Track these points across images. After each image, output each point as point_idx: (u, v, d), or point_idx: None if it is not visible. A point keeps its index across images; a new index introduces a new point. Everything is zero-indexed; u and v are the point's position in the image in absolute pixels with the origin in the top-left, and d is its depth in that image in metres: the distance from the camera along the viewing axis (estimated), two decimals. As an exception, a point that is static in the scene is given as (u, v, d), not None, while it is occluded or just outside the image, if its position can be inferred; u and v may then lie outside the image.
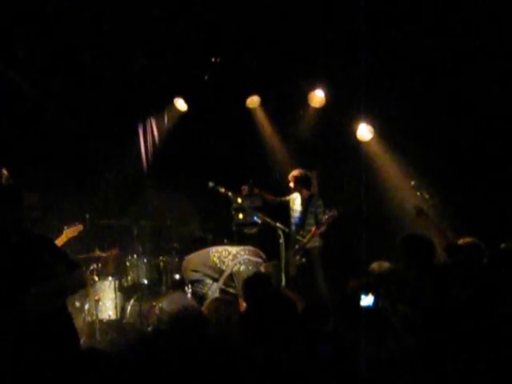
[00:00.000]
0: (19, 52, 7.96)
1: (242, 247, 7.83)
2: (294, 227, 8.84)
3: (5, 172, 6.76)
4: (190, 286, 7.77)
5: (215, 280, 7.63)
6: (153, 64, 9.17)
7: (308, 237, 8.48)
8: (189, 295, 7.71)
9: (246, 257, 7.58)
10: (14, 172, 7.04)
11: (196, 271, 7.77)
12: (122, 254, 8.45)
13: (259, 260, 7.63)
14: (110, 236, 8.95)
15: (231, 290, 7.50)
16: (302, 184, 8.86)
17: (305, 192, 8.88)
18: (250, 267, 7.42)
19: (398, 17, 8.05)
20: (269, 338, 3.87)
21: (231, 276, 7.47)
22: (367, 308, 4.34)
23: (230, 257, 7.61)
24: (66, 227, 7.19)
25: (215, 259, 7.69)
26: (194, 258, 7.97)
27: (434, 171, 8.51)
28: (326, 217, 8.43)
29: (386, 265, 5.52)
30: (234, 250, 7.75)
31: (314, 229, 8.52)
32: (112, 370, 3.90)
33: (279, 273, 7.44)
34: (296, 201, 8.98)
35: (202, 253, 7.95)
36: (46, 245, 4.56)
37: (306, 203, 8.83)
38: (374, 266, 5.54)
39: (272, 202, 9.13)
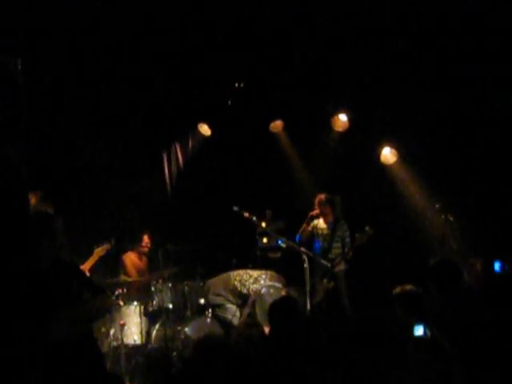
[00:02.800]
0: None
1: (263, 271, 7.89)
2: (319, 251, 8.81)
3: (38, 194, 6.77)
4: (210, 310, 7.82)
5: (237, 305, 7.67)
6: (177, 90, 9.25)
7: (337, 260, 8.47)
8: (208, 320, 7.74)
9: (268, 282, 7.63)
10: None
11: (218, 295, 7.83)
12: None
13: (279, 285, 7.66)
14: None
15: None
16: (328, 207, 8.85)
17: (330, 215, 8.87)
18: (272, 290, 7.47)
19: (421, 39, 8.06)
20: (293, 363, 3.86)
21: (253, 302, 7.50)
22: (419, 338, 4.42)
23: (251, 280, 7.70)
24: (95, 246, 7.51)
25: (236, 282, 7.78)
26: (216, 282, 8.05)
27: (458, 194, 8.46)
28: (358, 236, 8.37)
29: (409, 288, 5.49)
30: (255, 273, 7.83)
31: (346, 250, 8.52)
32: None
33: (304, 297, 7.41)
34: (319, 226, 8.97)
35: (223, 276, 8.02)
36: (72, 270, 4.60)
37: (332, 227, 8.82)
38: (397, 290, 5.51)
39: (309, 234, 9.07)
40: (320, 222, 8.97)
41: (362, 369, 3.81)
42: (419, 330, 4.49)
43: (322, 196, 8.90)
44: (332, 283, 8.41)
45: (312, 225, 9.02)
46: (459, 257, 6.89)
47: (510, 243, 7.77)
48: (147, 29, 8.00)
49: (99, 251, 7.56)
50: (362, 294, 8.74)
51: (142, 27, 7.96)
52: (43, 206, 6.52)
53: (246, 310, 7.58)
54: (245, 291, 7.64)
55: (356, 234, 8.43)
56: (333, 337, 4.55)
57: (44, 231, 4.49)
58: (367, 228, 8.34)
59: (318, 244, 8.91)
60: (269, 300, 7.43)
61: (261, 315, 7.31)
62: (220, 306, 7.78)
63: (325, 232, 8.89)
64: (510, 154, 8.34)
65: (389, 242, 9.13)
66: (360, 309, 8.40)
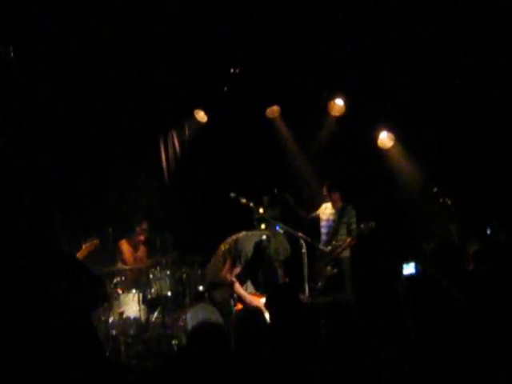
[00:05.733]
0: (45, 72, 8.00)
1: None
2: (324, 237, 8.81)
3: None
4: (207, 292, 7.80)
5: None
6: (173, 77, 9.20)
7: (342, 246, 8.46)
8: (208, 306, 7.71)
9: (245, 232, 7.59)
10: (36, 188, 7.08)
11: (212, 278, 7.77)
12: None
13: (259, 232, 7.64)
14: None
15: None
16: (336, 194, 8.81)
17: (339, 201, 8.83)
18: (250, 234, 7.42)
19: (417, 25, 8.01)
20: (292, 352, 3.85)
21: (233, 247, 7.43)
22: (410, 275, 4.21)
23: (227, 239, 7.55)
24: (83, 242, 7.31)
25: (221, 246, 7.58)
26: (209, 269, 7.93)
27: (456, 178, 8.44)
28: (362, 226, 8.35)
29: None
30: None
31: (349, 239, 8.50)
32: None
33: (302, 282, 7.39)
34: (326, 211, 8.94)
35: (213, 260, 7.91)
36: (69, 260, 4.59)
37: (339, 213, 8.79)
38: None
39: (304, 218, 9.09)
40: (328, 207, 8.94)
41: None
42: (409, 268, 4.25)
43: (331, 182, 8.88)
44: (335, 270, 8.39)
45: (320, 209, 9.02)
46: (457, 241, 6.89)
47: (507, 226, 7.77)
48: (144, 15, 7.94)
49: (87, 247, 7.32)
50: (365, 279, 8.73)
51: (139, 13, 7.89)
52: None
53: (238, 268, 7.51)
54: (227, 247, 7.58)
55: (361, 225, 8.38)
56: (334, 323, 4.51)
57: (43, 223, 4.47)
58: (372, 223, 8.30)
59: (325, 229, 8.90)
60: (246, 241, 7.39)
61: (237, 256, 7.29)
62: (216, 286, 7.75)
63: (332, 217, 8.87)
64: (509, 137, 8.32)
65: (387, 226, 9.11)
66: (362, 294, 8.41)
